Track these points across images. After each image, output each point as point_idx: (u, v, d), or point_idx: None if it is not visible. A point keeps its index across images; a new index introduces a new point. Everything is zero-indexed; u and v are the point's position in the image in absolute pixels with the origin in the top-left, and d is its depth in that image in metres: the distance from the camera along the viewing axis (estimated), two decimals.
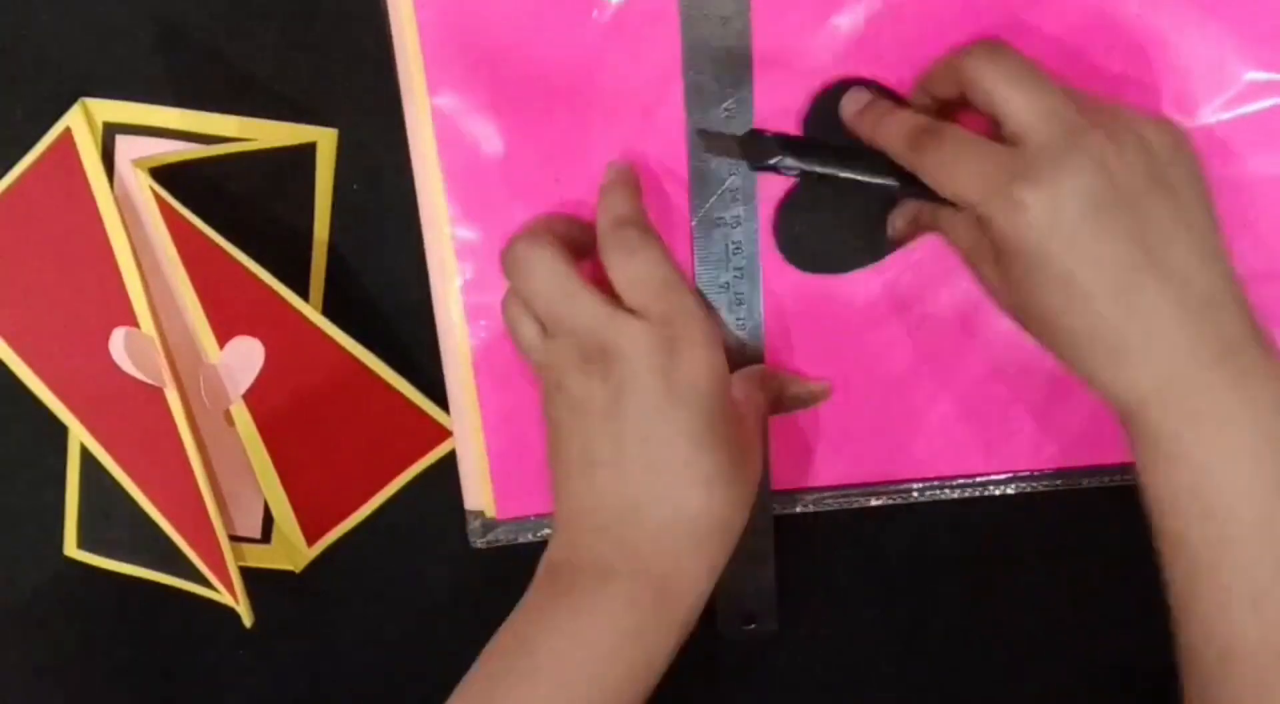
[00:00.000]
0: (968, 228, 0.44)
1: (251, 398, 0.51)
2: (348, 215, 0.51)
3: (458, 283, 0.49)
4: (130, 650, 0.56)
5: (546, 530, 0.52)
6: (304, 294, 0.51)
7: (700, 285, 0.49)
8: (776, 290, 0.50)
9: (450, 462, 0.52)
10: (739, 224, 0.48)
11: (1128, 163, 0.40)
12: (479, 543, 0.52)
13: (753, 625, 0.53)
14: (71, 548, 0.54)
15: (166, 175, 0.48)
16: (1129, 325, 0.40)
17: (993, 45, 0.43)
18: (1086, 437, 0.52)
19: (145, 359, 0.50)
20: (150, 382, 0.50)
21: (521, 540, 0.52)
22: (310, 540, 0.53)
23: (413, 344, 0.51)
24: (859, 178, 0.45)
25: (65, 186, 0.50)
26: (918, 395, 0.51)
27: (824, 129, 0.47)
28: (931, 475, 0.52)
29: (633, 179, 0.47)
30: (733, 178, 0.48)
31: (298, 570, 0.54)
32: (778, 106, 0.48)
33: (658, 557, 0.43)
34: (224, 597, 0.53)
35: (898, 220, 0.49)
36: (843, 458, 0.52)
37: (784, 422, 0.51)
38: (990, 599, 0.55)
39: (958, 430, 0.52)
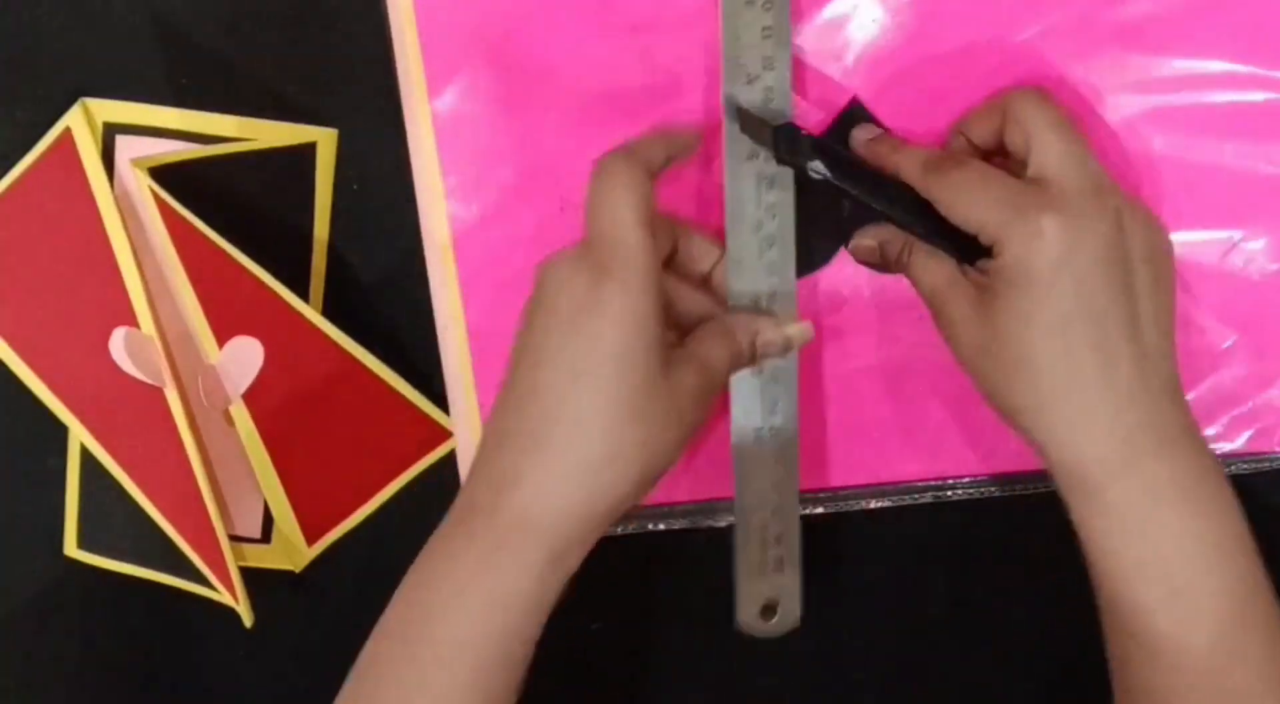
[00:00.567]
0: (940, 264, 0.44)
1: (251, 398, 0.51)
2: (348, 215, 0.51)
3: (457, 283, 0.49)
4: (130, 650, 0.56)
5: None
6: (304, 294, 0.51)
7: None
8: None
9: (450, 462, 0.52)
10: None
11: (1136, 232, 0.42)
12: None
13: (774, 620, 0.51)
14: (71, 548, 0.54)
15: (166, 175, 0.48)
16: (1104, 391, 0.41)
17: (1040, 91, 0.45)
18: None
19: (145, 359, 0.50)
20: (150, 382, 0.50)
21: None
22: (310, 540, 0.53)
23: (413, 344, 0.51)
24: (882, 209, 0.44)
25: (65, 186, 0.50)
26: (918, 396, 0.51)
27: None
28: (932, 476, 0.52)
29: (679, 136, 0.45)
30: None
31: (298, 570, 0.54)
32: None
33: (517, 490, 0.41)
34: (224, 597, 0.53)
35: (864, 240, 0.48)
36: (852, 459, 0.52)
37: None
38: (992, 599, 0.55)
39: (956, 431, 0.52)
